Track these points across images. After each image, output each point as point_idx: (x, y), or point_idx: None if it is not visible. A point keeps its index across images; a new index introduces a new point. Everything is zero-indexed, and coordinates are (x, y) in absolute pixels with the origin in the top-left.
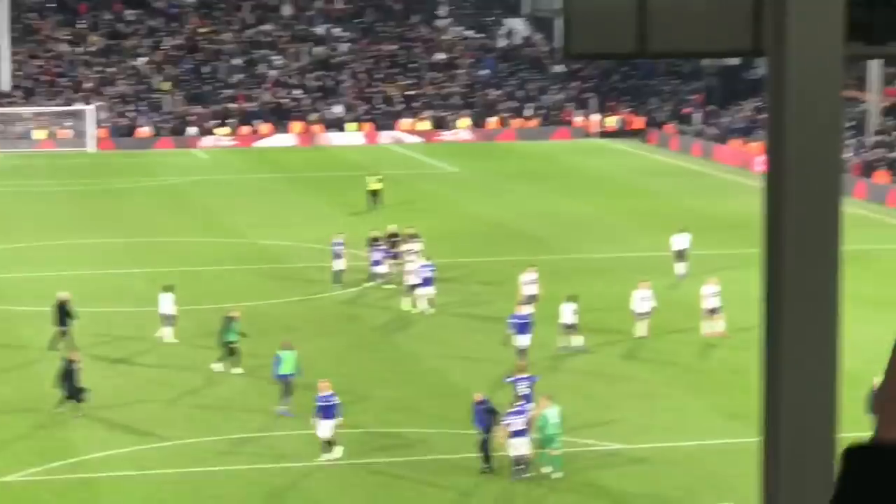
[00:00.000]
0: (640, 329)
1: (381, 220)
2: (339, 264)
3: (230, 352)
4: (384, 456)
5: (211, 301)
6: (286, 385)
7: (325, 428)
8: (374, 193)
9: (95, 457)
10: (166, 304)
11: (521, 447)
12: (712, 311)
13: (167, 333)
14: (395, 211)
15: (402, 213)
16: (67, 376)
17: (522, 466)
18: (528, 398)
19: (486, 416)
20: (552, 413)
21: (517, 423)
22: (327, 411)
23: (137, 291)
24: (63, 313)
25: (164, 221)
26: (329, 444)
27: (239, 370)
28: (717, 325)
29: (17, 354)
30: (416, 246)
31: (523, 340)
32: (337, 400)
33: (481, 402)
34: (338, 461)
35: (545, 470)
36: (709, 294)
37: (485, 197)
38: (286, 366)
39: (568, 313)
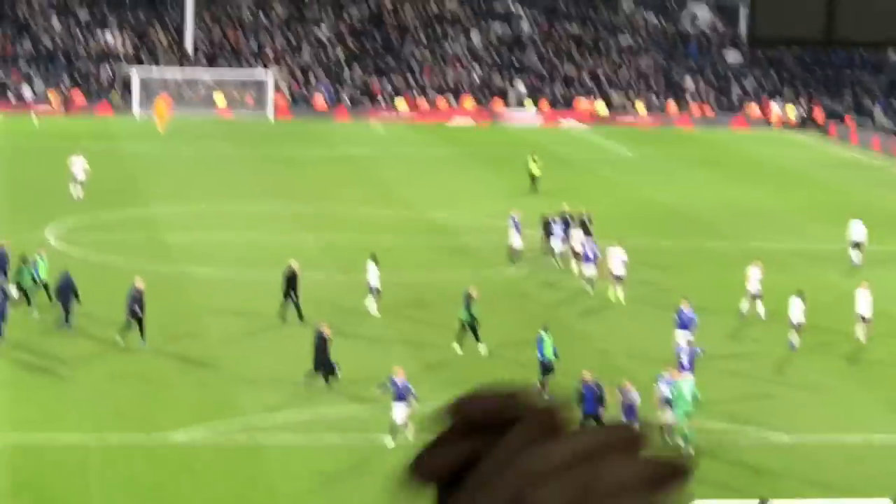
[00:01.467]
0: (860, 332)
1: (547, 201)
2: (517, 240)
3: (465, 329)
4: None
5: (384, 273)
6: (545, 367)
7: (399, 412)
8: (534, 177)
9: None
10: (373, 274)
11: (666, 416)
12: (864, 319)
13: (372, 303)
14: (568, 193)
15: (574, 195)
16: (319, 350)
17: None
18: (686, 367)
19: (595, 400)
20: (686, 385)
21: (664, 390)
22: (400, 396)
23: (310, 258)
24: (292, 283)
25: (339, 192)
26: (404, 427)
27: (483, 347)
28: (860, 332)
29: (186, 317)
30: (584, 228)
31: (684, 336)
32: (410, 386)
33: (588, 385)
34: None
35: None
36: (862, 300)
37: (660, 182)
38: (547, 348)
39: (796, 311)
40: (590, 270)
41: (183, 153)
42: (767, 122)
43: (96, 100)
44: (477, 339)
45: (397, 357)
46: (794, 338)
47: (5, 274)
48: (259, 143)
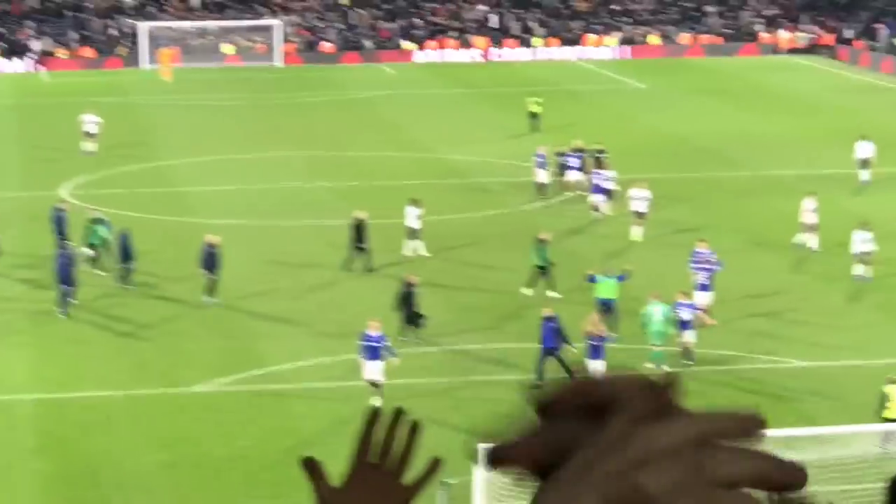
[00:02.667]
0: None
1: (555, 137)
2: (542, 176)
3: (540, 274)
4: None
5: (400, 216)
6: (606, 310)
7: (371, 371)
8: (534, 115)
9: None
10: (412, 217)
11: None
12: (811, 227)
13: (418, 247)
14: (579, 127)
15: (585, 130)
16: (405, 300)
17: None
18: (705, 287)
19: (554, 335)
20: (657, 311)
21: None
22: (373, 352)
23: (325, 205)
24: (359, 233)
25: (350, 136)
26: (375, 387)
27: (555, 294)
28: (811, 241)
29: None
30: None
31: (702, 278)
32: (386, 342)
33: (549, 319)
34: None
35: (648, 365)
36: (809, 209)
37: (672, 113)
38: (602, 289)
39: (859, 242)
40: (602, 201)
41: (193, 104)
42: (775, 49)
43: (105, 54)
44: (549, 284)
45: (428, 300)
46: (860, 269)
47: (63, 236)
48: (268, 90)
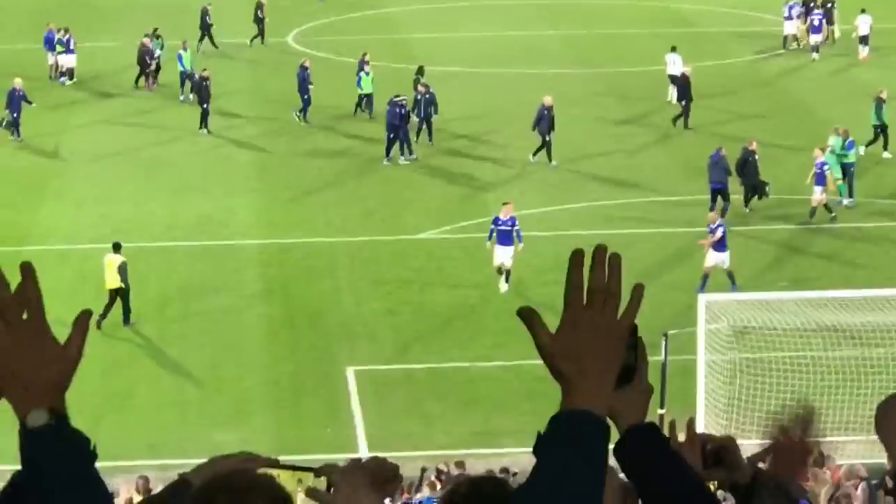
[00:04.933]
0: None
1: None
2: (789, 28)
3: (877, 136)
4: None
5: (625, 64)
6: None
7: (502, 255)
8: None
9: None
10: (672, 63)
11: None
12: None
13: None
14: None
15: None
16: (743, 167)
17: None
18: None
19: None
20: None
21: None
22: (505, 237)
23: (552, 53)
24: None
25: None
26: (501, 273)
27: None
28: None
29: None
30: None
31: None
32: (517, 225)
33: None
34: None
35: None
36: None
37: None
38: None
39: None
40: (817, 38)
41: None
42: None
43: None
44: (884, 145)
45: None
46: None
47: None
48: None
